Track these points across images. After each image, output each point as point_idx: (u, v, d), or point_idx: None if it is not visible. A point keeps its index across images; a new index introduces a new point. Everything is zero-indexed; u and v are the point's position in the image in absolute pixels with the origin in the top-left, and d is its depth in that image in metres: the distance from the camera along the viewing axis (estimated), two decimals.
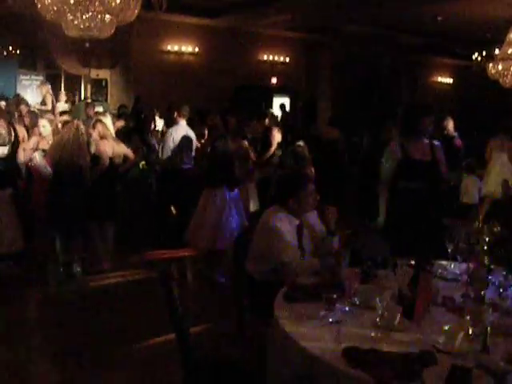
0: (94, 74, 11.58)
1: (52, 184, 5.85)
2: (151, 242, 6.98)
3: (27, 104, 8.50)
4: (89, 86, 11.52)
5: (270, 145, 7.13)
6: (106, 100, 11.63)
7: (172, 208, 7.21)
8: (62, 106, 9.41)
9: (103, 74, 11.75)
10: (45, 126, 6.30)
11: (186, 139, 7.34)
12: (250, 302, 3.78)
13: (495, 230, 2.69)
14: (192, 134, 7.55)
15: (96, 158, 6.11)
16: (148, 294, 5.60)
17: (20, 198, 6.06)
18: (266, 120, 10.12)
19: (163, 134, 8.32)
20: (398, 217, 4.61)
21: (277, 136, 7.18)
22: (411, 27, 13.80)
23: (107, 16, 7.94)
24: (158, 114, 9.49)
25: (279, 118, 12.33)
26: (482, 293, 2.53)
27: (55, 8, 7.81)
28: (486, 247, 2.66)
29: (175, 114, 7.76)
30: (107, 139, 6.21)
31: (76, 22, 7.77)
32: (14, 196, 5.90)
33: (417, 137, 4.70)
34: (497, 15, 11.56)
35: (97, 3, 7.73)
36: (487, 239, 2.65)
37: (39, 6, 7.47)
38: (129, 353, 4.45)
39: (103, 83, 11.76)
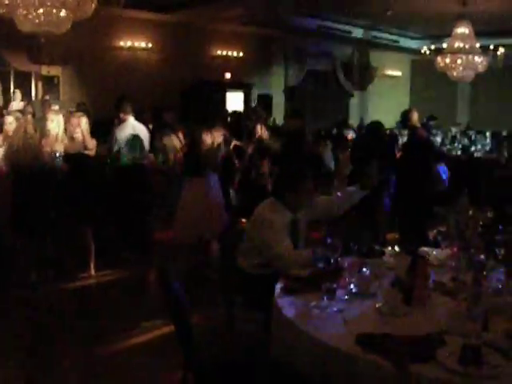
0: (45, 70, 11.26)
1: (14, 187, 5.64)
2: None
3: None
4: (40, 84, 11.20)
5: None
6: (59, 98, 11.32)
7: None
8: (17, 104, 9.10)
9: (55, 70, 11.43)
10: (11, 123, 6.01)
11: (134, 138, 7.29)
12: (241, 296, 3.79)
13: (488, 214, 2.81)
14: (142, 130, 7.46)
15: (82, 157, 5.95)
16: (125, 294, 5.62)
17: None
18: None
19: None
20: None
21: (260, 131, 7.30)
22: (361, 21, 14.06)
23: (63, 11, 7.74)
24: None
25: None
26: (482, 275, 2.64)
27: (6, 2, 7.54)
28: (478, 232, 2.77)
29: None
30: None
31: (30, 17, 7.54)
32: None
33: None
34: (441, 10, 11.93)
35: None
36: (481, 224, 2.76)
37: None
38: (111, 354, 4.40)
39: (55, 80, 11.45)
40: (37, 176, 5.62)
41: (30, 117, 6.48)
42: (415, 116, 6.71)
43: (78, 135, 5.97)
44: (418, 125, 6.84)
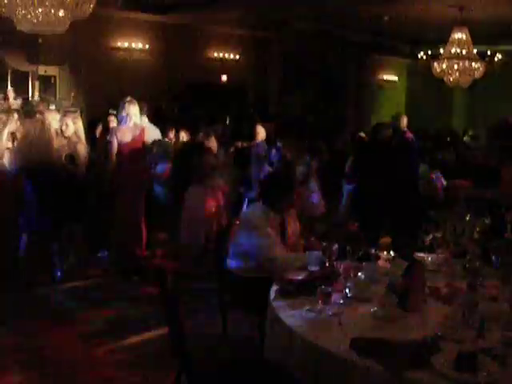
0: (42, 70, 11.25)
1: (25, 185, 5.58)
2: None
3: None
4: (37, 83, 11.17)
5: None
6: (55, 97, 11.30)
7: None
8: (13, 102, 9.07)
9: (52, 70, 11.41)
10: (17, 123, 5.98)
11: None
12: (232, 298, 3.78)
13: (485, 221, 2.81)
14: (154, 130, 7.48)
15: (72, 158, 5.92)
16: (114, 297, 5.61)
17: None
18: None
19: None
20: None
21: (261, 132, 7.39)
22: (358, 26, 14.07)
23: (61, 11, 7.73)
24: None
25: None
26: (477, 282, 2.64)
27: (6, 1, 7.55)
28: (476, 238, 2.77)
29: None
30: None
31: (29, 17, 7.53)
32: None
33: None
34: (438, 16, 11.96)
35: None
36: (478, 230, 2.76)
37: None
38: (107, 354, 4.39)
39: (52, 80, 11.43)
40: (48, 173, 5.55)
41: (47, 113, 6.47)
42: (405, 121, 6.85)
43: (71, 135, 5.97)
44: (405, 129, 6.99)
